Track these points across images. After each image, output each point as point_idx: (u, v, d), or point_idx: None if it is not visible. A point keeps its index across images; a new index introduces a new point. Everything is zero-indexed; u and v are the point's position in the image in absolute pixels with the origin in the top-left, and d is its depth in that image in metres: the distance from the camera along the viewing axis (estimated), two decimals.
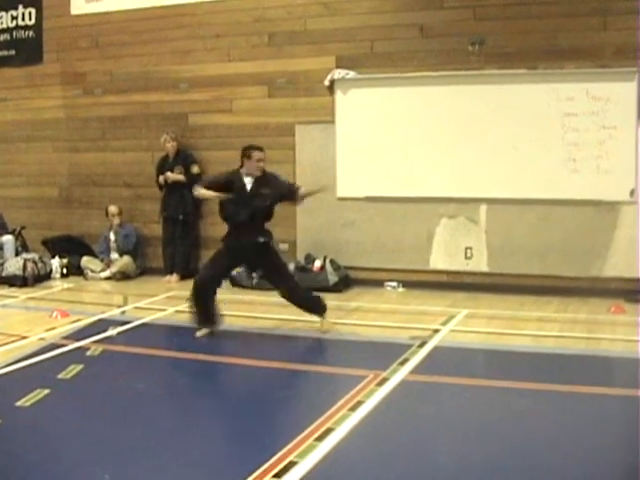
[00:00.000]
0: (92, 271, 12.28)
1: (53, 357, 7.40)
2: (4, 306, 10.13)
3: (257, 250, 8.29)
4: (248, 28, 11.70)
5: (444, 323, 8.80)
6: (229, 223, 8.36)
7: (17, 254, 12.28)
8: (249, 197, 8.20)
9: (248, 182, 8.24)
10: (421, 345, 7.72)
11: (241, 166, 8.35)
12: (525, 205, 10.49)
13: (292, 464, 4.70)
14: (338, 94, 11.23)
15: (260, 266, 8.79)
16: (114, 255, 12.44)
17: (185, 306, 8.94)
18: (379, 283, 11.16)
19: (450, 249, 10.94)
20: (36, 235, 13.00)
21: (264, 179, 8.31)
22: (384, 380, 6.50)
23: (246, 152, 8.31)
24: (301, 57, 11.43)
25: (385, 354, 7.40)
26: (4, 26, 13.41)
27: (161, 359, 7.72)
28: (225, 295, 10.49)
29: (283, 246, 11.41)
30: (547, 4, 10.21)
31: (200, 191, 8.36)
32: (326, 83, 11.23)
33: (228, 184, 8.23)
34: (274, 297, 8.97)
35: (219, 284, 8.57)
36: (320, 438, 5.14)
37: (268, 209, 8.36)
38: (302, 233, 11.44)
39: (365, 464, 4.94)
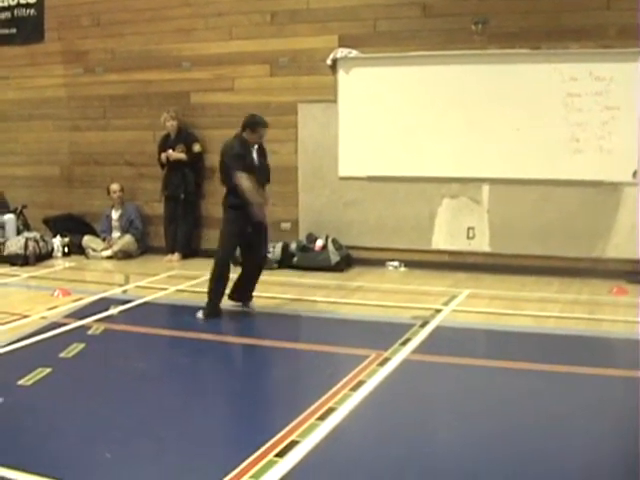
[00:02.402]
0: (93, 250, 12.27)
1: (54, 336, 7.41)
2: (6, 285, 10.14)
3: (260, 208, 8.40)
4: (250, 6, 11.64)
5: (446, 303, 8.81)
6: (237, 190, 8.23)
7: (18, 233, 12.27)
8: (258, 167, 8.38)
9: (253, 151, 8.37)
10: (423, 325, 7.73)
11: (242, 132, 8.38)
12: (528, 185, 10.47)
13: (294, 443, 4.71)
14: (340, 73, 11.19)
15: (259, 225, 8.48)
16: (116, 234, 12.42)
17: (187, 285, 8.94)
18: (381, 263, 11.16)
19: (452, 229, 10.93)
20: (37, 214, 12.98)
21: (261, 147, 8.52)
22: (386, 360, 6.51)
23: (252, 126, 8.32)
24: (303, 36, 11.38)
25: (387, 334, 7.41)
26: (5, 4, 13.35)
27: (162, 338, 7.74)
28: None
29: (285, 225, 11.42)
30: None
31: (245, 184, 8.15)
32: (328, 62, 11.18)
33: (245, 159, 8.27)
34: (275, 276, 9.00)
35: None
36: (322, 417, 5.15)
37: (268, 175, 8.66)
38: (304, 212, 11.43)
39: (366, 443, 4.96)
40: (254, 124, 8.34)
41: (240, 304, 8.71)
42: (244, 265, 8.67)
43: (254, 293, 8.75)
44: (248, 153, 8.31)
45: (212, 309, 8.27)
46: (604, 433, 5.08)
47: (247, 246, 8.54)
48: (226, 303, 8.47)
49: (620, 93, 9.92)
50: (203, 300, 8.25)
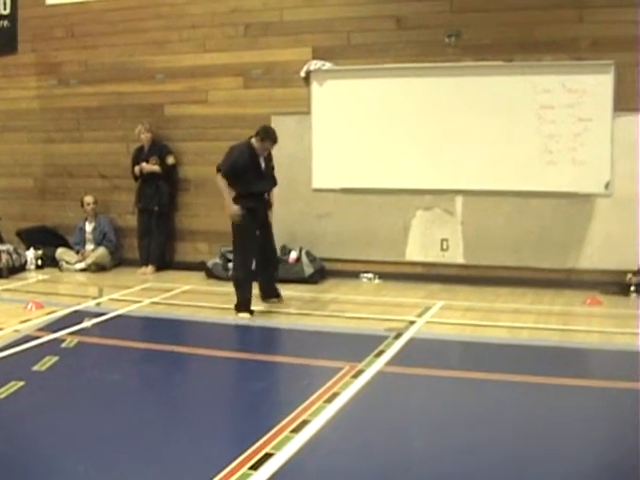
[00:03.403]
0: (67, 262, 12.21)
1: (28, 349, 7.36)
2: None
3: (265, 209, 9.20)
4: (224, 19, 11.65)
5: (420, 315, 8.81)
6: (249, 193, 8.95)
7: None
8: (265, 171, 9.13)
9: (261, 158, 9.05)
10: (397, 337, 7.72)
11: (251, 137, 8.99)
12: (501, 197, 10.51)
13: (268, 456, 4.69)
14: (314, 85, 11.21)
15: (265, 220, 9.21)
16: (89, 246, 12.37)
17: (161, 298, 8.93)
18: (355, 274, 11.16)
19: (426, 241, 10.94)
20: (10, 226, 12.89)
21: (269, 154, 9.21)
22: (360, 372, 6.50)
23: (263, 136, 8.93)
24: (277, 48, 11.40)
25: (361, 346, 7.41)
26: None
27: (136, 351, 7.69)
28: (200, 286, 10.54)
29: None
30: None
31: (220, 184, 9.01)
32: (302, 74, 11.20)
33: (246, 163, 8.92)
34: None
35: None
36: (296, 430, 5.14)
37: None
38: (277, 224, 11.30)
39: (341, 455, 4.94)
40: (265, 135, 8.94)
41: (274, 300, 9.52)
42: (258, 265, 9.20)
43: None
44: (252, 156, 8.90)
45: (246, 303, 8.86)
46: (581, 442, 5.10)
47: (263, 240, 9.23)
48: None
49: (592, 105, 9.98)
50: (177, 312, 8.24)
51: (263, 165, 9.06)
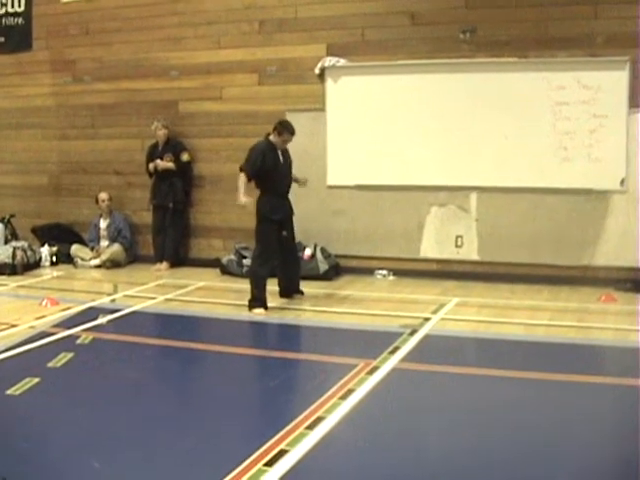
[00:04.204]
0: (82, 259, 12.24)
1: (43, 345, 7.37)
2: None
3: (290, 209, 9.40)
4: (239, 15, 11.66)
5: (434, 311, 8.80)
6: (273, 192, 9.12)
7: (6, 242, 12.25)
8: (286, 168, 9.28)
9: (280, 154, 9.17)
10: (411, 333, 7.71)
11: (269, 134, 9.16)
12: (516, 194, 10.49)
13: (283, 452, 4.69)
14: (329, 82, 11.20)
15: (290, 222, 9.41)
16: (104, 243, 12.40)
17: (176, 294, 8.94)
18: (369, 271, 11.15)
19: (440, 237, 10.93)
20: (25, 223, 12.94)
21: (286, 150, 9.31)
22: (375, 368, 6.49)
23: (280, 129, 9.09)
24: (292, 45, 11.39)
25: (375, 342, 7.40)
26: None
27: (151, 347, 7.70)
28: (215, 283, 10.54)
29: None
30: None
31: (239, 182, 9.00)
32: (317, 71, 11.20)
33: (268, 164, 9.02)
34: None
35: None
36: (311, 427, 5.13)
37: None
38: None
39: (356, 452, 4.94)
40: (282, 128, 9.10)
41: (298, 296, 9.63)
42: (280, 262, 9.33)
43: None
44: (273, 153, 9.03)
45: (261, 299, 8.93)
46: (598, 440, 5.08)
47: (287, 240, 9.33)
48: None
49: (608, 101, 9.94)
50: (191, 309, 8.24)
51: (282, 160, 9.15)
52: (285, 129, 9.03)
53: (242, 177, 8.92)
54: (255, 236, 9.17)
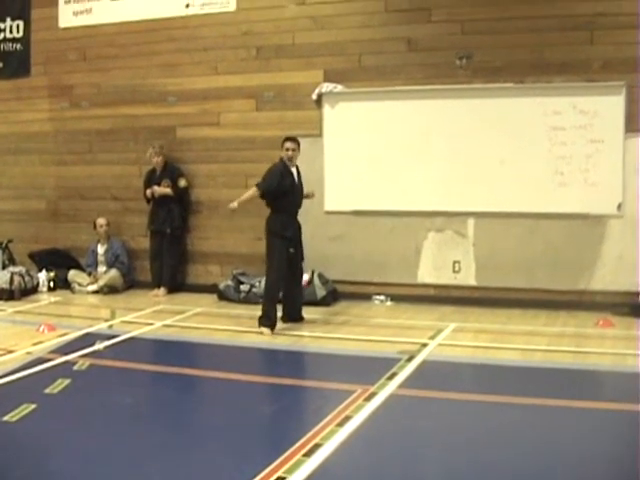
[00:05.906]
0: (79, 285, 12.23)
1: (40, 371, 7.36)
2: None
3: (299, 228, 9.66)
4: (236, 41, 11.71)
5: (432, 337, 8.79)
6: (284, 211, 9.40)
7: (4, 267, 12.26)
8: (299, 188, 9.61)
9: (294, 172, 9.51)
10: (409, 359, 7.70)
11: (282, 157, 9.44)
12: (513, 219, 10.50)
13: None
14: (326, 108, 11.24)
15: (299, 240, 9.65)
16: (101, 268, 12.39)
17: (173, 320, 8.94)
18: (367, 297, 11.14)
19: (438, 263, 10.94)
20: (23, 248, 12.94)
21: (298, 169, 9.62)
22: (372, 395, 6.48)
23: (282, 143, 9.47)
24: (289, 71, 11.44)
25: (373, 368, 7.39)
26: None
27: (148, 373, 7.69)
28: (212, 309, 10.54)
29: None
30: (534, 18, 10.24)
31: (246, 195, 9.40)
32: (314, 97, 11.24)
33: (285, 184, 9.33)
34: (260, 311, 9.05)
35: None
36: (308, 453, 5.12)
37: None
38: None
39: (353, 479, 4.92)
40: (282, 141, 9.49)
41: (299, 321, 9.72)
42: (285, 285, 9.48)
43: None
44: (288, 173, 9.34)
45: (270, 319, 9.11)
46: (597, 466, 5.06)
47: (294, 261, 9.50)
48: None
49: (604, 126, 9.98)
50: (189, 335, 8.23)
51: (296, 179, 9.49)
52: (284, 140, 9.43)
53: (253, 191, 9.22)
54: (266, 253, 9.35)
